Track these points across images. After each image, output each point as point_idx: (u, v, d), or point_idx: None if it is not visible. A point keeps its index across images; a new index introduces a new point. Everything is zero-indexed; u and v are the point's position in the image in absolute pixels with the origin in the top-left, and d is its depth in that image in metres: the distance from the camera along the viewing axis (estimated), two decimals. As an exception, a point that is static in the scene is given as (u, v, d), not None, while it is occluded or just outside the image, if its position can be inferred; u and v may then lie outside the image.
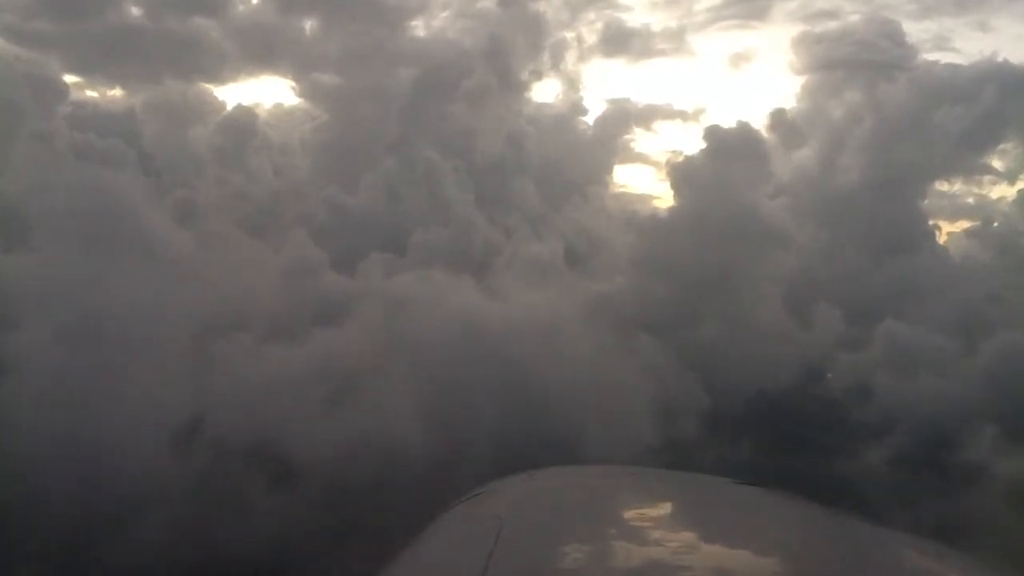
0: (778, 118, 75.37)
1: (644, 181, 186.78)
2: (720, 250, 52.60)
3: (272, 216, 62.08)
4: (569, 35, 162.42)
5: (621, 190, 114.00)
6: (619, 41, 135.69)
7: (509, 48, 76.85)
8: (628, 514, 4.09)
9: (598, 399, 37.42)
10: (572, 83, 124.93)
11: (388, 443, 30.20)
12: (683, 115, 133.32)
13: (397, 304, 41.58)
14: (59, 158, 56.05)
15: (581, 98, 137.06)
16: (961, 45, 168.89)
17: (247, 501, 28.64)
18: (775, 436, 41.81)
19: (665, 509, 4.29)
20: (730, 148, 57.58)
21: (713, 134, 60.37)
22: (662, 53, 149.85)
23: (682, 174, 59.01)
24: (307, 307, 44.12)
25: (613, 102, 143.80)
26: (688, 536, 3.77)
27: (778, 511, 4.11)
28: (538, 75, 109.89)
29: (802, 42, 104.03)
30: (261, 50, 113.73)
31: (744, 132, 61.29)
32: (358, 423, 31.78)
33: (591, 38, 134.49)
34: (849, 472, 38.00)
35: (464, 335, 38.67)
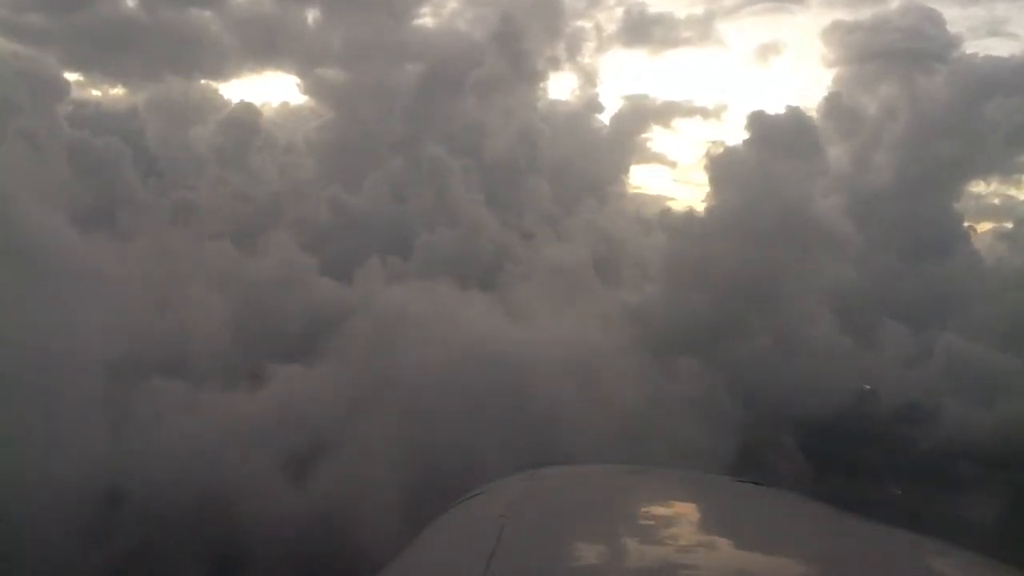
0: (834, 102, 69.93)
1: (659, 182, 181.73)
2: (763, 254, 47.55)
3: (271, 218, 59.81)
4: (587, 24, 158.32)
5: (635, 191, 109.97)
6: (640, 30, 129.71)
7: (522, 38, 73.00)
8: (629, 513, 4.12)
9: (635, 441, 31.46)
10: (588, 77, 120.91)
11: (369, 519, 24.26)
12: (704, 112, 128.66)
13: (392, 323, 36.06)
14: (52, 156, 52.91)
15: (597, 94, 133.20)
16: (1017, 31, 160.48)
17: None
18: (829, 463, 38.07)
19: (666, 507, 4.32)
20: (777, 138, 51.46)
21: (757, 121, 53.66)
22: (686, 42, 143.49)
23: (723, 167, 52.42)
24: (281, 330, 37.70)
25: (630, 99, 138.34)
26: (689, 534, 3.79)
27: (778, 509, 4.20)
28: (554, 64, 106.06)
29: (835, 32, 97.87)
30: (263, 44, 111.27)
31: (793, 120, 55.18)
32: (330, 492, 25.83)
33: (610, 27, 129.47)
34: (913, 501, 35.09)
35: (472, 363, 33.04)
